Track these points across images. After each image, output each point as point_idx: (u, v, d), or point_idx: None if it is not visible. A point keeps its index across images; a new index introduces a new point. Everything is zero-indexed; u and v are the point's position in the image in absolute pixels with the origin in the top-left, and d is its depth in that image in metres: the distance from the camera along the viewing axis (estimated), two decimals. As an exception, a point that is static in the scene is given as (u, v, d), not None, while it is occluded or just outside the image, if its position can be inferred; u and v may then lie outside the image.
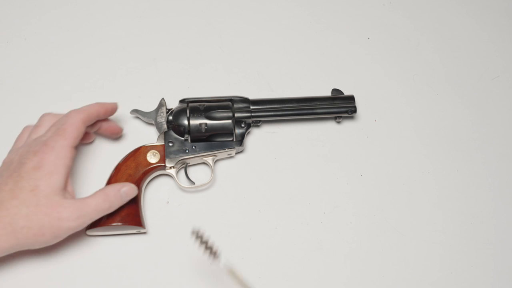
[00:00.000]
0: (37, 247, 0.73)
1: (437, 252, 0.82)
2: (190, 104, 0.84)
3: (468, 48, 0.98)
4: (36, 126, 0.79)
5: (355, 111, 0.87)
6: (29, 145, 0.75)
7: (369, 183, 0.87)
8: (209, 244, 0.68)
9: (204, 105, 0.84)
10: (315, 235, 0.83)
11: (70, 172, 0.75)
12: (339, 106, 0.87)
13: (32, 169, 0.72)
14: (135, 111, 0.86)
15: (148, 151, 0.82)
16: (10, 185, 0.72)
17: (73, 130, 0.75)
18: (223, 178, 0.86)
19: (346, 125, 0.90)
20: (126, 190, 0.77)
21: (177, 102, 0.86)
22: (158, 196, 0.84)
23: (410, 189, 0.86)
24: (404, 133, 0.90)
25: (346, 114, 0.87)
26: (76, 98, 0.89)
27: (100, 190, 0.75)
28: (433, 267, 0.81)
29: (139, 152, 0.81)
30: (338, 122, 0.90)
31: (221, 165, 0.86)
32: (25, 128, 0.81)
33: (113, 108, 0.82)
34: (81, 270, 0.79)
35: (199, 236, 0.68)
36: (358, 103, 0.89)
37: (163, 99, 0.86)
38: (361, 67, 0.95)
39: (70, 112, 0.77)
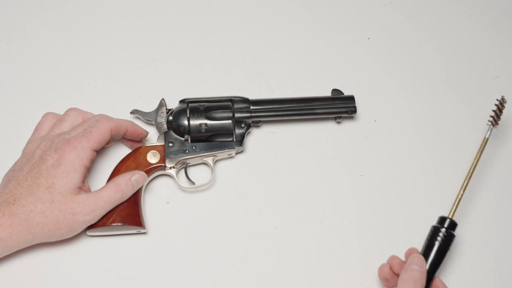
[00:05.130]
0: (53, 240, 0.75)
1: (437, 252, 0.82)
2: (190, 104, 0.84)
3: (468, 48, 0.98)
4: (60, 120, 0.79)
5: (355, 111, 0.87)
6: (52, 140, 0.76)
7: (369, 183, 0.87)
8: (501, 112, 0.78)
9: (204, 105, 0.84)
10: (315, 235, 0.83)
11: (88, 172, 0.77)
12: (339, 106, 0.87)
13: (51, 166, 0.73)
14: (135, 111, 0.86)
15: (148, 151, 0.82)
16: (29, 181, 0.73)
17: (99, 136, 0.76)
18: (223, 178, 0.86)
19: (346, 125, 0.90)
20: (137, 178, 0.78)
21: (177, 102, 0.86)
22: (158, 196, 0.84)
23: (410, 189, 0.86)
24: (404, 133, 0.90)
25: (346, 114, 0.87)
26: (76, 98, 0.89)
27: (112, 181, 0.77)
28: (433, 267, 0.81)
29: (139, 153, 0.81)
30: (338, 122, 0.90)
31: (221, 165, 0.86)
32: (46, 115, 0.81)
33: (142, 134, 0.83)
34: (81, 270, 0.79)
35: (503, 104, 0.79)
36: (358, 103, 0.89)
37: (163, 99, 0.86)
38: (361, 67, 0.95)
39: (102, 118, 0.78)
